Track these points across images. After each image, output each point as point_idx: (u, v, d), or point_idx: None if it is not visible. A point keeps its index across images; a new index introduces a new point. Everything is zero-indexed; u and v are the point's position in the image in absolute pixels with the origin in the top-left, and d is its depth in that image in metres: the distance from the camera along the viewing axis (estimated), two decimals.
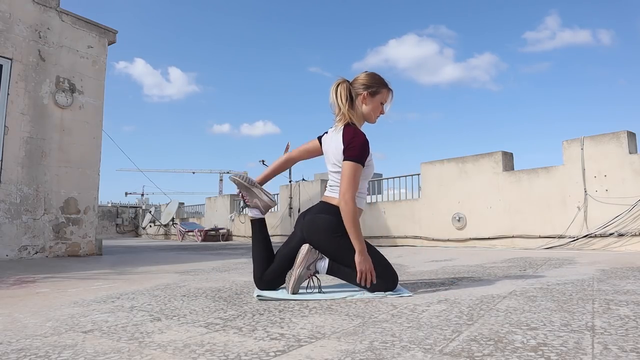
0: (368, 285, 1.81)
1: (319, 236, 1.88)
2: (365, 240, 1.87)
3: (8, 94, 4.58)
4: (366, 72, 2.02)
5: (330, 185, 2.00)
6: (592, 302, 1.59)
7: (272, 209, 2.14)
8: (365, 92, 1.97)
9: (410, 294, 1.81)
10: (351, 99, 1.97)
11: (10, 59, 4.63)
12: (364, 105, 1.98)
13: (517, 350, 0.99)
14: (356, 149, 1.86)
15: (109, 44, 5.63)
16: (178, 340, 1.15)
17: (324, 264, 1.88)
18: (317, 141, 2.11)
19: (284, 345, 1.08)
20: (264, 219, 2.06)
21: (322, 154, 2.10)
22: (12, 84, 4.61)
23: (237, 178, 2.05)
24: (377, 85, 1.99)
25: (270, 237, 2.08)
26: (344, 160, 1.87)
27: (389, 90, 2.03)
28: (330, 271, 1.89)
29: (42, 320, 1.44)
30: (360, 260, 1.81)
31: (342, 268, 1.88)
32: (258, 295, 1.82)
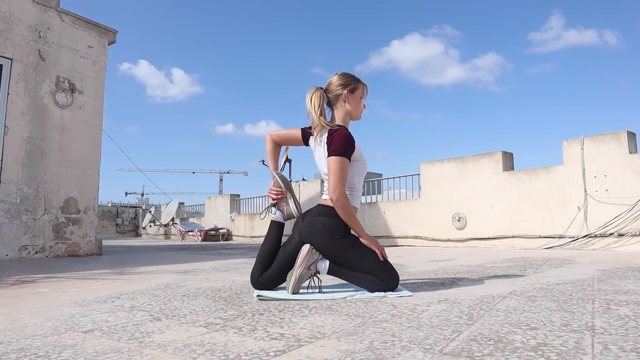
0: (382, 259, 1.86)
1: (318, 239, 1.87)
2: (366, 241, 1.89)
3: (8, 93, 4.58)
4: (337, 74, 2.05)
5: (326, 187, 2.00)
6: (592, 302, 1.59)
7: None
8: (345, 91, 1.99)
9: (410, 294, 1.81)
10: (329, 104, 2.02)
11: (10, 59, 4.63)
12: (346, 104, 2.00)
13: (517, 350, 0.99)
14: (337, 142, 1.86)
15: (109, 44, 5.63)
16: (178, 340, 1.15)
17: (324, 264, 1.88)
18: (299, 132, 2.08)
19: (284, 345, 1.08)
20: (283, 225, 2.05)
21: (301, 144, 2.10)
22: (12, 84, 4.61)
23: (283, 175, 2.05)
24: (353, 81, 2.02)
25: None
26: (328, 156, 1.88)
27: (364, 84, 2.06)
28: (330, 272, 1.89)
29: (42, 320, 1.44)
30: (367, 242, 1.87)
31: (343, 269, 1.89)
32: (258, 295, 1.82)
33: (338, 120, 2.00)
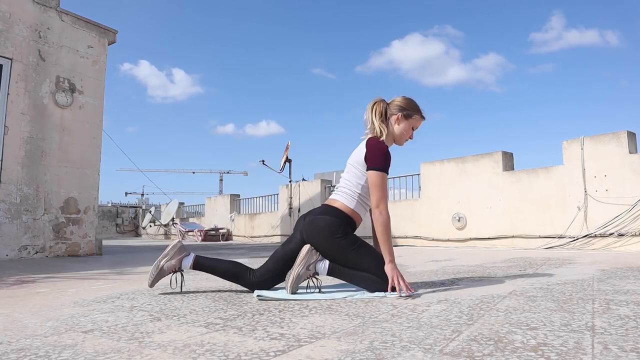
0: (397, 292, 1.78)
1: (319, 237, 1.88)
2: (365, 242, 1.89)
3: (8, 93, 4.58)
4: (404, 96, 2.09)
5: (337, 188, 2.02)
6: (592, 302, 1.59)
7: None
8: (400, 114, 2.03)
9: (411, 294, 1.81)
10: (385, 117, 2.04)
11: (10, 59, 4.63)
12: (396, 125, 2.04)
13: (517, 350, 0.99)
14: (378, 157, 1.90)
15: (109, 44, 5.63)
16: (178, 340, 1.15)
17: (324, 265, 1.88)
18: None
19: (284, 345, 1.08)
20: (196, 256, 2.04)
21: None
22: (12, 84, 4.62)
23: (154, 278, 1.97)
24: (412, 109, 2.06)
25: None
26: (368, 169, 1.91)
27: (422, 117, 2.10)
28: (330, 272, 1.89)
29: (42, 320, 1.44)
30: (389, 268, 1.81)
31: (343, 269, 1.89)
32: (258, 295, 1.82)
33: (383, 136, 2.03)
